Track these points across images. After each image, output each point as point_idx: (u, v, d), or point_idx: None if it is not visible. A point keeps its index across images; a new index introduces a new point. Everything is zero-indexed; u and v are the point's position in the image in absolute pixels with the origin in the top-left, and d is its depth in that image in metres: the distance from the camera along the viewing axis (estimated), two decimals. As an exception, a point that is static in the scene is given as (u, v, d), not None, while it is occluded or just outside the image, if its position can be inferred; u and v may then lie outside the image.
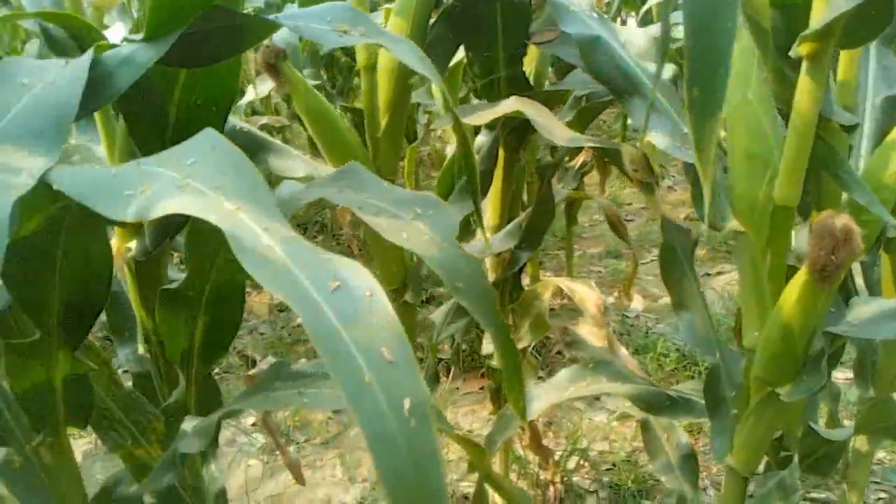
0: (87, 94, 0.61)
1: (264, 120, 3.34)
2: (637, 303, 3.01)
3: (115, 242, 0.97)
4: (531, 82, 1.43)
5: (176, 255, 1.64)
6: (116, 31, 1.33)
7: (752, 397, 0.93)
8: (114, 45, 0.70)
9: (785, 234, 0.87)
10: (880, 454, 2.11)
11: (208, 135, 0.57)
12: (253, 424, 2.44)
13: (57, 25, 0.88)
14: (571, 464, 2.15)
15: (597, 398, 2.46)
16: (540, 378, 2.27)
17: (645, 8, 3.35)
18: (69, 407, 0.91)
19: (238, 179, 0.51)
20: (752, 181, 0.86)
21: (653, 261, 3.41)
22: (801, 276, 0.80)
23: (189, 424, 0.89)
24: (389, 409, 0.40)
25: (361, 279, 0.45)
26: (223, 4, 0.72)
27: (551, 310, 1.47)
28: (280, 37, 2.52)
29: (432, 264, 0.67)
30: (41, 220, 0.72)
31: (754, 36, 0.85)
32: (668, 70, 1.82)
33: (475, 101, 1.47)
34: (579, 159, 2.21)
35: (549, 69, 1.64)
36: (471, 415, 2.46)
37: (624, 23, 4.04)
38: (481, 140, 1.42)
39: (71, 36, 0.87)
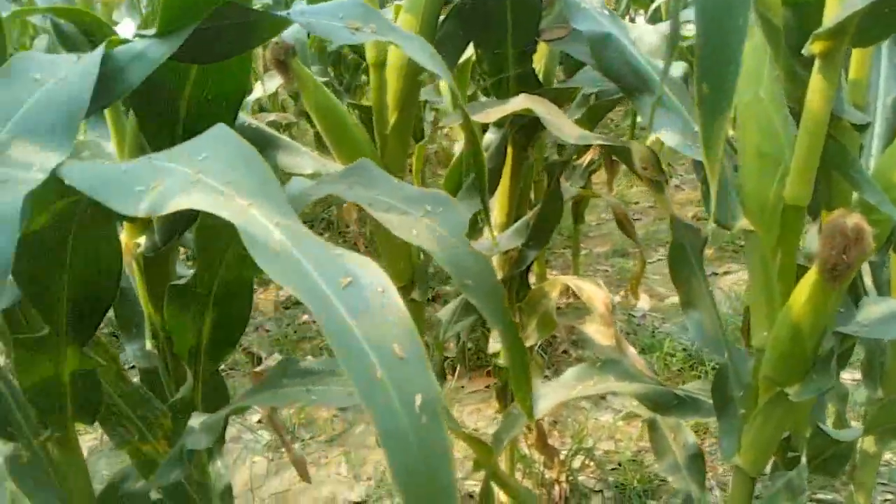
0: (99, 89, 0.61)
1: (272, 116, 3.34)
2: (644, 302, 3.00)
3: (124, 238, 0.97)
4: (541, 80, 1.42)
5: (183, 251, 1.64)
6: (126, 27, 1.33)
7: (760, 397, 0.93)
8: (125, 41, 0.70)
9: (795, 233, 0.87)
10: (887, 455, 2.10)
11: (220, 130, 0.57)
12: (258, 421, 2.44)
13: (68, 21, 0.88)
14: (577, 463, 2.15)
15: (602, 397, 2.46)
16: (545, 377, 2.27)
17: (654, 6, 3.34)
18: (77, 402, 0.91)
19: (249, 175, 0.51)
20: (762, 180, 0.85)
21: (659, 260, 3.41)
22: (811, 276, 0.79)
23: (196, 421, 0.89)
24: (401, 406, 0.40)
25: (373, 275, 0.45)
26: (235, 0, 0.72)
27: (557, 308, 1.46)
28: (289, 33, 2.51)
29: (442, 261, 0.67)
30: (51, 216, 0.72)
31: (766, 34, 0.85)
32: (680, 68, 1.82)
33: (484, 99, 1.47)
34: (587, 158, 2.21)
35: (558, 67, 1.63)
36: (476, 413, 2.46)
37: (633, 20, 4.03)
38: (490, 138, 1.42)
39: (82, 31, 0.87)
